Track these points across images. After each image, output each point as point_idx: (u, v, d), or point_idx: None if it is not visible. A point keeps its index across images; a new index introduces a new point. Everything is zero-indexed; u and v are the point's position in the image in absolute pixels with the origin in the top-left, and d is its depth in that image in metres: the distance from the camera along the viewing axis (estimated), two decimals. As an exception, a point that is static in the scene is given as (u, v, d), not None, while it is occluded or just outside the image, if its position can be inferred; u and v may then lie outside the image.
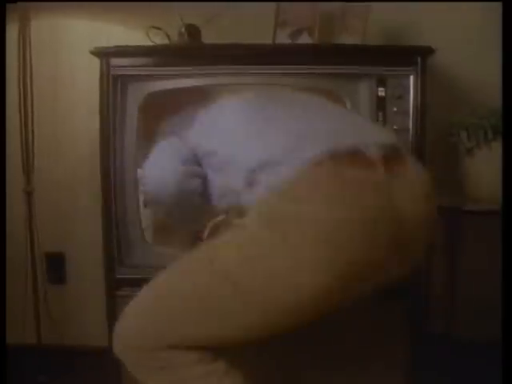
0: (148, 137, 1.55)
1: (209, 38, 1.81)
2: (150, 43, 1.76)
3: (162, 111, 1.53)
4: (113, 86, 1.61)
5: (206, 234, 1.33)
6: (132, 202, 1.68)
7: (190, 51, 1.69)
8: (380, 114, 1.65)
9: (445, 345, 1.76)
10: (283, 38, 1.76)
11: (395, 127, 1.64)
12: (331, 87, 1.65)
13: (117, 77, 1.61)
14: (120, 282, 1.67)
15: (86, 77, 2.06)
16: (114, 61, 1.61)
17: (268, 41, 1.76)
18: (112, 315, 1.67)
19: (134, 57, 1.62)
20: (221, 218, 1.30)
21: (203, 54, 1.64)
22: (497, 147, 1.72)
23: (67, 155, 2.17)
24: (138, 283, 1.71)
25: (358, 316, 1.29)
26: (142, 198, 1.64)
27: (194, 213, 1.15)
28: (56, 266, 2.20)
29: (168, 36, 1.84)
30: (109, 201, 1.64)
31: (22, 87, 1.91)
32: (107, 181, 1.63)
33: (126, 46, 1.64)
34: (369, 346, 1.46)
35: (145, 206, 1.65)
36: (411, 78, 1.63)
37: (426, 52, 1.63)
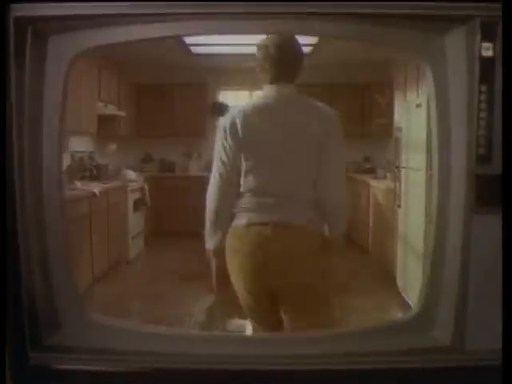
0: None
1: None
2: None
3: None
4: (17, 40, 0.92)
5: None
6: (58, 237, 0.99)
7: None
8: (484, 88, 0.95)
9: None
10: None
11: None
12: (397, 40, 0.96)
13: (24, 23, 0.92)
14: (35, 373, 0.99)
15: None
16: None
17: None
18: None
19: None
20: None
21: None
22: None
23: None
24: (67, 376, 0.97)
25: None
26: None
27: None
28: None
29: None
30: (11, 236, 0.95)
31: None
32: (10, 201, 0.94)
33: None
34: None
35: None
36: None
37: None
